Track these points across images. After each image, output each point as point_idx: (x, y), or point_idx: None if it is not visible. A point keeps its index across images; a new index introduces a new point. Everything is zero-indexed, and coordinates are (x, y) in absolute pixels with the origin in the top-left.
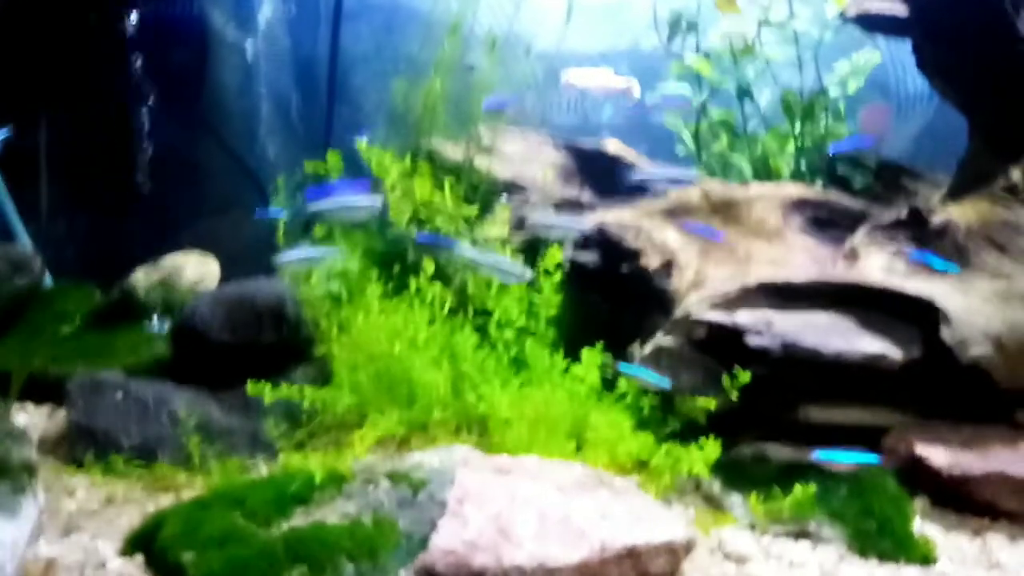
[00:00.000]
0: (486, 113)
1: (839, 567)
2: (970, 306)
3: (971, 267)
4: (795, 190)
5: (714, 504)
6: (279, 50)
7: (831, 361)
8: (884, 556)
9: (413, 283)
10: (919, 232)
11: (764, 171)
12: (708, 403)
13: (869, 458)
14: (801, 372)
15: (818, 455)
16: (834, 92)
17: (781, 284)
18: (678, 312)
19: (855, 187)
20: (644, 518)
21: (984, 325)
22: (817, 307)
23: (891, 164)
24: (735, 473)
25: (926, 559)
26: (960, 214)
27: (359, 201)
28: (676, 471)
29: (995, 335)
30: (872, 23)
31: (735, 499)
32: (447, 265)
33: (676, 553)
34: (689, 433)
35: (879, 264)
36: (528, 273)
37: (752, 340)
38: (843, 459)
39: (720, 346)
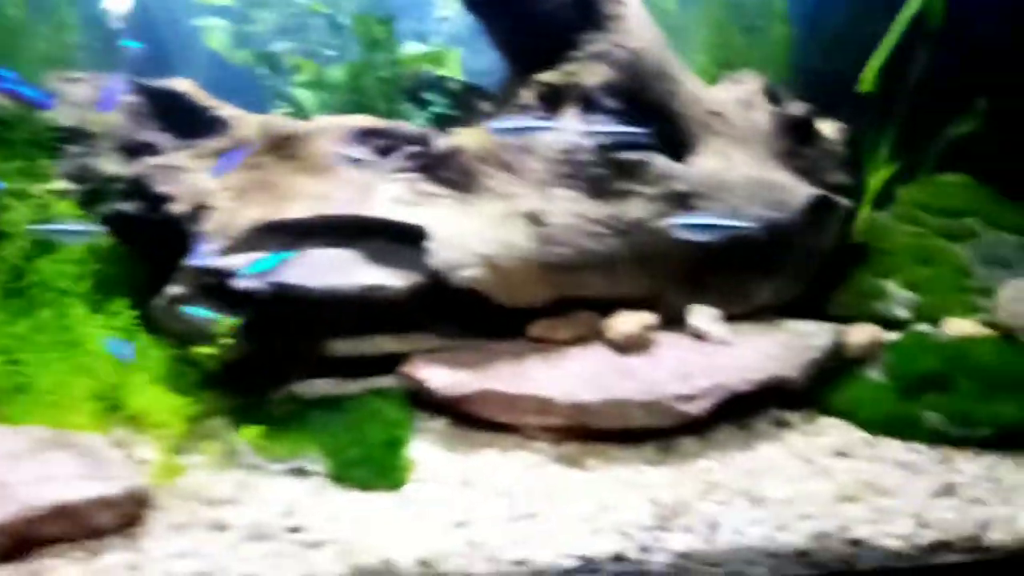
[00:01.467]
0: None
1: (304, 501)
2: (467, 230)
3: (479, 190)
4: (360, 121)
5: (227, 449)
6: None
7: (327, 296)
8: (363, 485)
9: None
10: (428, 159)
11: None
12: (210, 351)
13: None
14: (300, 310)
15: None
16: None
17: (290, 222)
18: (188, 258)
19: (432, 112)
20: (94, 476)
21: (477, 247)
22: (329, 243)
23: (469, 87)
24: (254, 416)
25: (398, 484)
26: (472, 138)
27: (76, 227)
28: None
29: (489, 256)
30: None
31: (241, 442)
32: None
33: (119, 506)
34: (214, 382)
35: (391, 195)
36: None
37: (238, 283)
38: None
39: (221, 291)
